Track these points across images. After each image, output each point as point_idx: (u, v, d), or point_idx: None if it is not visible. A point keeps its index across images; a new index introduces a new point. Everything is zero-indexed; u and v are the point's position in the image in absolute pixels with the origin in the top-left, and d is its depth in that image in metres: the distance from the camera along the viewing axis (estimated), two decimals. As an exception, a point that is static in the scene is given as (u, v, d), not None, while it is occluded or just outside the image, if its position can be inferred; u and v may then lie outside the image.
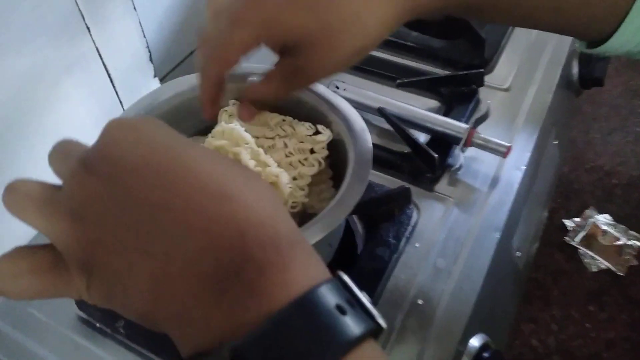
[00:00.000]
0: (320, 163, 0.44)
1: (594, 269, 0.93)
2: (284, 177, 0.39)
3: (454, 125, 0.61)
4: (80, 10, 0.52)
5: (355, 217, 0.57)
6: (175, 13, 0.71)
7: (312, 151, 0.45)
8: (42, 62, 0.51)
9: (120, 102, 0.61)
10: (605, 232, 0.96)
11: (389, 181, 0.59)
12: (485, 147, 0.60)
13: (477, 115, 0.65)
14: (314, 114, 0.47)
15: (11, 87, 0.49)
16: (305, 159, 0.45)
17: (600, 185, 1.04)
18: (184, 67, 0.75)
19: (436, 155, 0.58)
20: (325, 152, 0.45)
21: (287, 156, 0.44)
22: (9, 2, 0.46)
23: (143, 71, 0.63)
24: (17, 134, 0.51)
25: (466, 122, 0.62)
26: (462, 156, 0.61)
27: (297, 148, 0.45)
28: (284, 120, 0.44)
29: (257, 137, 0.43)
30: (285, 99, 0.40)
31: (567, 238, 0.97)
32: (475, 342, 0.50)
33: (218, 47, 0.33)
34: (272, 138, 0.44)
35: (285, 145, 0.46)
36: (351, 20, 0.31)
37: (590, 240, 0.95)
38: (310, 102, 0.48)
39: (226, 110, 0.44)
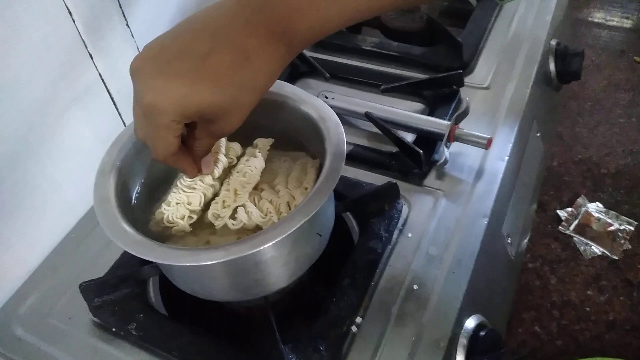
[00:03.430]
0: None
1: (590, 255, 0.95)
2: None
3: (437, 123, 0.65)
4: (82, 40, 0.57)
5: (349, 214, 0.60)
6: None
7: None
8: (52, 89, 0.55)
9: (124, 123, 0.66)
10: (598, 219, 0.98)
11: (379, 179, 0.63)
12: (468, 140, 0.63)
13: (458, 113, 0.69)
14: (296, 114, 0.51)
15: (26, 112, 0.53)
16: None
17: (590, 176, 1.07)
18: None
19: (422, 151, 0.62)
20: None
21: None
22: (20, 34, 0.51)
23: (143, 94, 0.68)
24: (31, 155, 0.55)
25: (449, 120, 0.65)
26: (447, 151, 0.64)
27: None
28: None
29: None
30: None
31: (561, 227, 0.99)
32: (471, 322, 0.52)
33: (158, 148, 0.38)
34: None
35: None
36: (249, 85, 0.35)
37: (584, 228, 0.97)
38: (292, 104, 0.52)
39: None
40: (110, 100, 0.63)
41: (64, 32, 0.55)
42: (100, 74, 0.60)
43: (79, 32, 0.56)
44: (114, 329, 0.52)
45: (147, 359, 0.50)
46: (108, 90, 0.62)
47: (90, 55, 0.59)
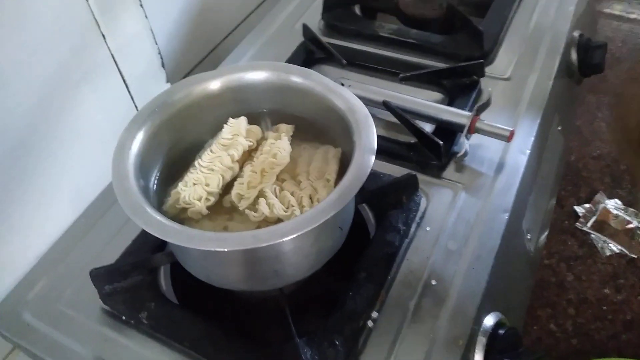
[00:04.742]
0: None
1: (608, 253, 0.93)
2: None
3: (457, 114, 0.63)
4: (95, 19, 0.55)
5: (365, 206, 0.59)
6: (185, 24, 0.74)
7: None
8: (63, 70, 0.54)
9: (136, 106, 0.64)
10: (616, 216, 0.96)
11: (397, 171, 0.61)
12: (489, 132, 0.61)
13: (479, 104, 0.67)
14: (322, 103, 0.50)
15: (35, 94, 0.52)
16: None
17: (608, 172, 1.04)
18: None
19: (441, 142, 0.60)
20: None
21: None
22: (32, 14, 0.49)
23: (156, 77, 0.66)
24: (40, 138, 0.54)
25: (469, 111, 0.64)
26: (467, 143, 0.62)
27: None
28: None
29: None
30: None
31: (578, 224, 0.97)
32: (490, 320, 0.51)
33: None
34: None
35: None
36: None
37: (602, 225, 0.95)
38: (318, 93, 0.50)
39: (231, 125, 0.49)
40: (123, 83, 0.62)
41: (77, 10, 0.53)
42: (112, 55, 0.59)
43: (92, 12, 0.55)
44: (124, 318, 0.51)
45: (158, 348, 0.49)
46: (120, 73, 0.61)
47: (103, 36, 0.57)
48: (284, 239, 0.38)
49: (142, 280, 0.52)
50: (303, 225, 0.38)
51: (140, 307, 0.50)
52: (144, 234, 0.56)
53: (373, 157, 0.43)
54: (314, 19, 0.84)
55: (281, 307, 0.49)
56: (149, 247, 0.55)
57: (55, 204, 0.59)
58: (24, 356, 0.54)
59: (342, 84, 0.69)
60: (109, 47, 0.58)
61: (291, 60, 0.76)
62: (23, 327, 0.52)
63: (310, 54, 0.77)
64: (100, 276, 0.51)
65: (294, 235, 0.38)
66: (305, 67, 0.73)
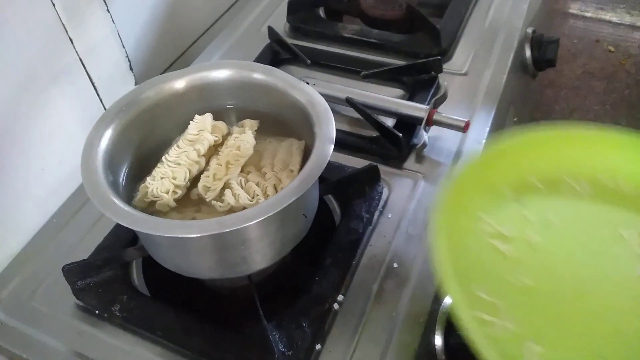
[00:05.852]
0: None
1: (565, 238, 0.97)
2: None
3: (416, 107, 0.66)
4: (63, 24, 0.57)
5: (331, 197, 0.61)
6: (153, 29, 0.75)
7: None
8: (31, 73, 0.55)
9: (105, 109, 0.65)
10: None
11: (360, 163, 0.63)
12: (446, 124, 0.65)
13: (436, 97, 0.70)
14: (285, 99, 0.52)
15: (4, 96, 0.53)
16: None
17: (566, 161, 1.10)
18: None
19: (401, 135, 0.63)
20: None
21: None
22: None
23: (124, 80, 0.68)
24: (10, 139, 0.55)
25: (428, 105, 0.67)
26: (426, 135, 0.65)
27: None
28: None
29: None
30: None
31: (538, 212, 1.02)
32: (449, 299, 0.54)
33: None
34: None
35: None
36: None
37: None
38: (281, 89, 0.53)
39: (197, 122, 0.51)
40: (92, 86, 0.63)
41: (44, 15, 0.55)
42: (80, 59, 0.60)
43: (59, 16, 0.56)
44: (97, 311, 0.52)
45: (132, 339, 0.51)
46: (89, 76, 0.62)
47: (71, 40, 0.59)
48: (248, 224, 0.40)
49: (114, 275, 0.53)
50: (266, 211, 0.40)
51: (113, 300, 0.52)
52: (115, 231, 0.58)
53: (332, 146, 0.46)
54: (280, 22, 0.86)
55: (250, 294, 0.51)
56: (120, 242, 0.56)
57: (27, 205, 0.59)
58: (-2, 355, 0.55)
59: (307, 83, 0.72)
60: (76, 51, 0.59)
61: (258, 61, 0.78)
62: (-3, 326, 0.53)
63: (276, 55, 0.80)
64: (73, 272, 0.53)
65: (258, 220, 0.40)
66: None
